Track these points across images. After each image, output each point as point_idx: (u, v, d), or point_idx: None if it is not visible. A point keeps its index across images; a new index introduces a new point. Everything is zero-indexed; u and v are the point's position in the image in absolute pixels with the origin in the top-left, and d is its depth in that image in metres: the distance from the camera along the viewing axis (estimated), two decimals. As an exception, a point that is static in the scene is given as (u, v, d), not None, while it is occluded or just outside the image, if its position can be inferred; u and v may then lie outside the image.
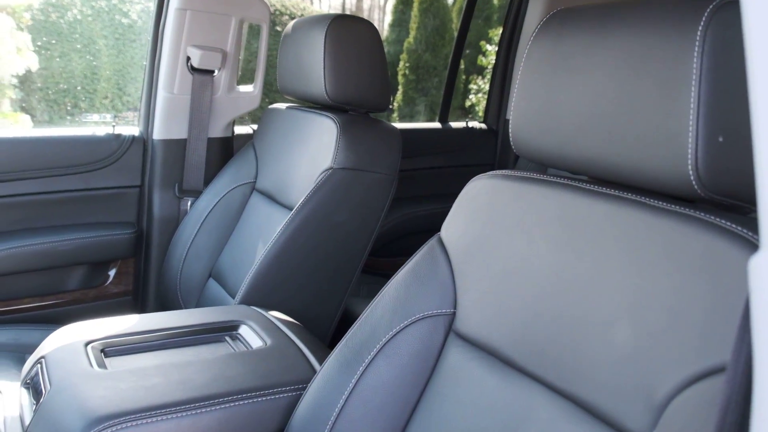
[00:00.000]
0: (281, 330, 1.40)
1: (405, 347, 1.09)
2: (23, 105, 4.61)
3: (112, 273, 2.21)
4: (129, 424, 1.07)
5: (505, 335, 0.99)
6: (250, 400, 1.16)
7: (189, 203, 2.18)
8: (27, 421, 1.17)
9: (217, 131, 2.25)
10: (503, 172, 1.10)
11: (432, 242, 1.15)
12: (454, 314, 1.09)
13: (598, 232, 0.90)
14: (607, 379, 0.84)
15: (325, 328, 1.82)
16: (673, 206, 0.84)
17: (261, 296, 1.69)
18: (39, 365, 1.25)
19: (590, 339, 0.87)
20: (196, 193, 2.19)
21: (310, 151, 1.81)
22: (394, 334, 1.10)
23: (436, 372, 1.08)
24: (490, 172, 1.12)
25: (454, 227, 1.13)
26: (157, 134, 2.19)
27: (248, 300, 1.67)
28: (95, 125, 2.36)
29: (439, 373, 1.07)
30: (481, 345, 1.03)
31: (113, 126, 2.19)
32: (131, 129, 2.24)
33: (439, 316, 1.09)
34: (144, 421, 1.08)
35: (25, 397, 1.24)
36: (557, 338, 0.92)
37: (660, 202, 0.86)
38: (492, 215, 1.07)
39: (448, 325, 1.09)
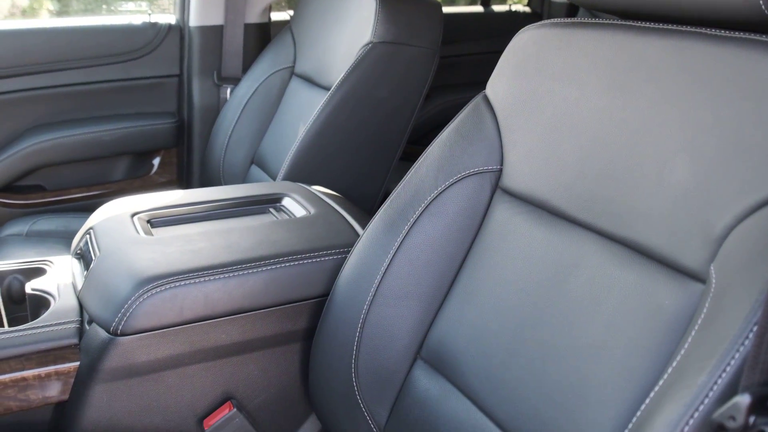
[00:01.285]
0: (324, 201, 1.39)
1: (450, 205, 1.07)
2: None
3: (156, 162, 2.23)
4: (177, 284, 1.08)
5: (554, 186, 0.96)
6: (296, 263, 1.16)
7: (228, 91, 2.16)
8: (79, 287, 1.19)
9: (253, 17, 2.20)
10: (552, 21, 1.05)
11: (477, 100, 1.11)
12: (500, 171, 1.06)
13: (654, 69, 0.86)
14: (662, 218, 0.81)
15: (367, 209, 1.82)
16: (739, 34, 0.79)
17: (302, 176, 1.68)
18: (88, 235, 1.27)
19: (645, 180, 0.84)
20: (235, 81, 2.16)
21: (349, 28, 1.76)
22: (440, 193, 1.08)
23: (482, 229, 1.06)
24: (538, 23, 1.07)
25: (499, 82, 1.09)
26: (194, 21, 2.15)
27: (290, 179, 1.66)
28: (130, 14, 2.33)
29: (486, 230, 1.05)
30: (529, 199, 1.00)
31: (149, 14, 2.16)
32: (167, 17, 2.20)
33: (486, 173, 1.07)
34: (191, 281, 1.09)
35: (76, 265, 1.26)
36: (609, 183, 0.88)
37: (725, 31, 0.81)
38: (540, 65, 1.02)
39: (495, 182, 1.07)
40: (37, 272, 1.28)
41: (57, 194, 2.13)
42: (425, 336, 1.08)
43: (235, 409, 1.15)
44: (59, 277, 1.26)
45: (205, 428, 1.14)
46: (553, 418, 0.84)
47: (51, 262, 1.31)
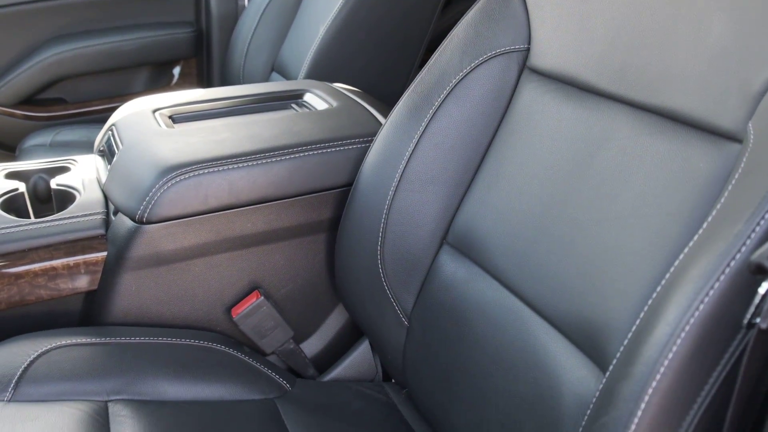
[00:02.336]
0: (347, 95, 1.37)
1: (476, 88, 1.05)
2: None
3: (176, 72, 2.21)
4: (200, 172, 1.07)
5: (585, 61, 0.93)
6: (319, 152, 1.15)
7: (246, -3, 2.12)
8: (103, 181, 1.19)
9: None
10: None
11: (503, -22, 1.07)
12: (528, 50, 1.03)
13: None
14: (698, 81, 0.78)
15: (389, 107, 1.79)
16: None
17: (323, 76, 1.65)
18: (110, 132, 1.26)
19: (679, 43, 0.80)
20: (253, -13, 2.12)
21: (369, -77, 1.70)
22: (465, 75, 1.05)
23: (509, 111, 1.04)
24: None
25: (526, -42, 1.04)
26: (208, -75, 2.10)
27: (311, 78, 1.64)
28: None
29: (513, 111, 1.03)
30: (558, 76, 0.97)
31: None
32: None
33: (513, 52, 1.04)
34: (215, 169, 1.08)
35: (99, 162, 1.26)
36: (642, 51, 0.85)
37: None
38: (569, -65, 0.98)
39: (522, 62, 1.03)
40: (62, 170, 1.29)
41: (78, 106, 2.13)
42: (451, 221, 1.06)
43: (262, 297, 1.15)
44: (84, 173, 1.26)
45: (233, 316, 1.15)
46: (581, 290, 0.83)
47: (75, 160, 1.31)
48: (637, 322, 0.69)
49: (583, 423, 0.73)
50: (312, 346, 1.26)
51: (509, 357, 0.91)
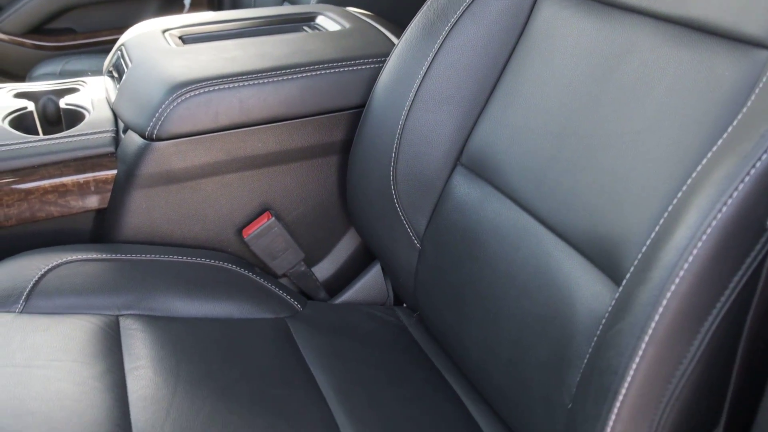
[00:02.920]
0: (360, 18, 1.34)
1: (494, 3, 1.01)
2: None
3: (187, 2, 2.17)
4: (211, 88, 1.06)
5: (606, -28, 0.90)
6: (331, 71, 1.13)
7: (256, -74, 2.07)
8: (112, 100, 1.17)
9: None
10: None
11: None
12: (547, -36, 0.99)
13: None
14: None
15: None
16: None
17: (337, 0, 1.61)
18: (119, 51, 1.24)
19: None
20: None
21: None
22: (482, -9, 1.02)
23: (527, 27, 1.01)
24: None
25: None
26: None
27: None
28: None
29: (531, 28, 1.00)
30: (579, -11, 0.94)
31: None
32: None
33: (532, -33, 1.00)
34: (225, 86, 1.06)
35: (109, 82, 1.24)
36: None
37: None
38: None
39: (541, -23, 1.00)
40: (71, 91, 1.27)
41: (88, 36, 2.10)
42: (466, 141, 1.04)
43: (273, 218, 1.15)
44: (93, 94, 1.24)
45: (244, 237, 1.14)
46: (598, 205, 0.82)
47: (84, 82, 1.30)
48: (656, 229, 0.68)
49: (598, 333, 0.72)
50: (323, 269, 1.25)
51: (522, 276, 0.90)
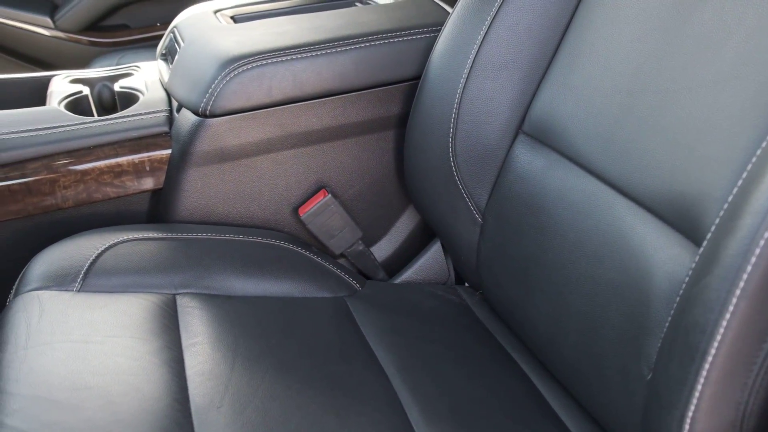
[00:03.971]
0: (413, -9, 1.30)
1: (553, -37, 0.97)
2: None
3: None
4: (263, 62, 1.03)
5: None
6: (386, 42, 1.09)
7: None
8: (166, 79, 1.16)
9: None
10: None
11: None
12: None
13: None
14: None
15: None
16: None
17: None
18: (171, 34, 1.23)
19: None
20: None
21: None
22: (541, -52, 0.97)
23: (590, -13, 0.96)
24: None
25: None
26: None
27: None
28: None
29: (595, -13, 0.95)
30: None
31: None
32: None
33: None
34: (278, 59, 1.04)
35: (162, 64, 1.23)
36: None
37: None
38: None
39: (604, -69, 0.95)
40: (125, 76, 1.27)
41: (142, 31, 2.12)
42: (527, 108, 1.00)
43: (329, 196, 1.12)
44: (147, 77, 1.24)
45: (301, 215, 1.12)
46: (673, 163, 0.77)
47: (138, 67, 1.29)
48: (743, 176, 0.62)
49: (680, 293, 0.67)
50: (382, 249, 1.22)
51: (593, 243, 0.85)
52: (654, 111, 0.81)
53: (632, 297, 0.78)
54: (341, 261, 1.18)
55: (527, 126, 1.00)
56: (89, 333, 0.84)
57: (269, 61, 1.03)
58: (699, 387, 0.60)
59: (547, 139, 0.96)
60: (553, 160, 0.94)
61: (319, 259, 1.08)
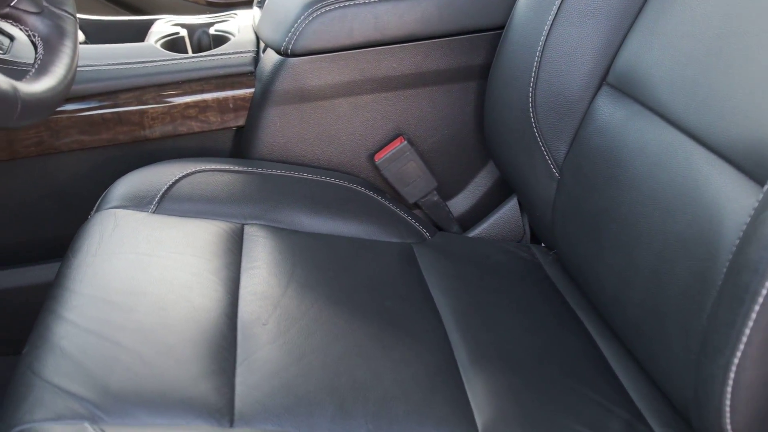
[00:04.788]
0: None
1: None
2: None
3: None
4: (345, 3, 1.04)
5: None
6: (470, -10, 1.07)
7: None
8: (256, 22, 1.19)
9: None
10: None
11: None
12: None
13: None
14: None
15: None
16: None
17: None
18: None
19: None
20: None
21: None
22: None
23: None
24: None
25: None
26: None
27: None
28: None
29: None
30: None
31: None
32: None
33: None
34: (362, 1, 1.04)
35: (257, 10, 1.26)
36: None
37: None
38: None
39: None
40: (222, 22, 1.31)
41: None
42: (613, 58, 0.95)
43: (406, 142, 1.11)
44: (241, 22, 1.27)
45: (376, 160, 1.12)
46: (757, 110, 0.71)
47: (236, 13, 1.33)
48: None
49: (741, 233, 0.62)
50: (458, 204, 1.20)
51: (666, 195, 0.80)
52: (740, 54, 0.75)
53: (700, 251, 0.73)
54: (416, 212, 1.17)
55: (611, 77, 0.95)
56: (155, 248, 0.87)
57: (352, 2, 1.04)
58: (747, 332, 0.55)
59: (630, 90, 0.91)
60: (634, 111, 0.90)
61: (390, 205, 1.07)
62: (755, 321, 0.55)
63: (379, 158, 1.11)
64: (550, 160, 1.00)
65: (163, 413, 0.65)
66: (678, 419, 0.78)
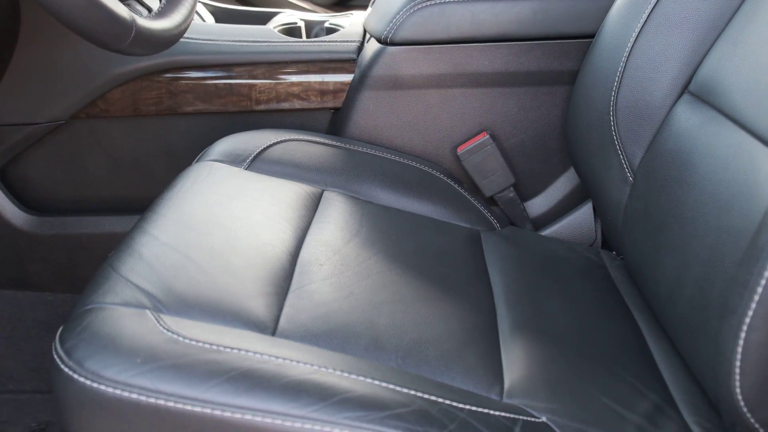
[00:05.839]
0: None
1: None
2: None
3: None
4: (445, 0, 1.11)
5: None
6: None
7: None
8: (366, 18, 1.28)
9: None
10: None
11: None
12: None
13: None
14: None
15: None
16: None
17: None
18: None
19: None
20: None
21: None
22: None
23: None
24: None
25: None
26: None
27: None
28: None
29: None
30: None
31: None
32: None
33: None
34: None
35: (369, 9, 1.36)
36: None
37: None
38: None
39: None
40: (340, 17, 1.41)
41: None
42: (696, 68, 0.97)
43: (488, 136, 1.16)
44: (354, 19, 1.37)
45: (458, 151, 1.17)
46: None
47: (352, 13, 1.43)
48: None
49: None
50: (534, 206, 1.23)
51: (726, 192, 0.81)
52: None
53: (748, 242, 0.74)
54: (492, 208, 1.21)
55: (693, 85, 0.97)
56: (239, 193, 0.96)
57: (451, 0, 1.11)
58: (759, 290, 0.57)
59: (708, 97, 0.93)
60: (709, 117, 0.91)
61: (466, 194, 1.12)
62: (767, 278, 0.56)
63: (461, 149, 1.17)
64: (626, 164, 1.02)
65: (215, 317, 0.73)
66: (712, 415, 0.78)
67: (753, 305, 0.57)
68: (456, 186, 1.13)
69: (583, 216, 1.19)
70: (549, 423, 0.71)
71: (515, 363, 0.79)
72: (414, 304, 0.82)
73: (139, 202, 1.25)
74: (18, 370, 1.24)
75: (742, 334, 0.58)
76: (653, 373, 0.83)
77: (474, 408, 0.68)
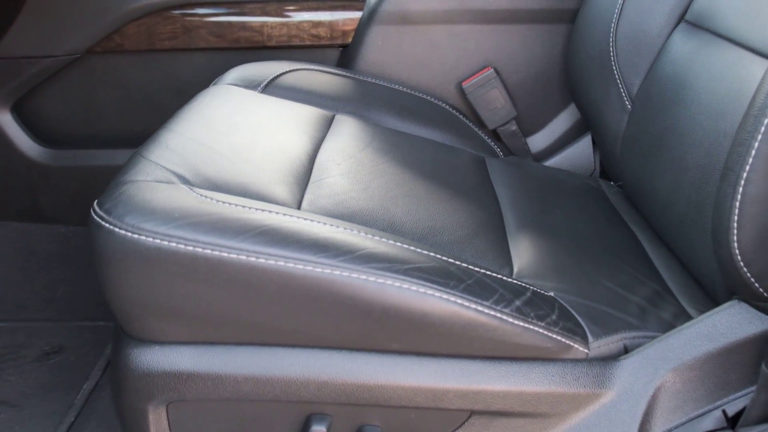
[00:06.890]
0: None
1: None
2: None
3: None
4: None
5: None
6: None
7: None
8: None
9: None
10: None
11: None
12: None
13: None
14: None
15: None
16: None
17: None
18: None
19: None
20: None
21: None
22: None
23: None
24: None
25: None
26: None
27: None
28: None
29: None
30: None
31: None
32: None
33: None
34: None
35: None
36: None
37: None
38: None
39: None
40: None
41: None
42: (693, -2, 1.02)
43: (492, 70, 1.21)
44: None
45: (463, 85, 1.22)
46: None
47: None
48: None
49: None
50: (535, 141, 1.28)
51: (721, 102, 0.86)
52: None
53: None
54: (495, 142, 1.26)
55: (690, 15, 1.02)
56: (256, 109, 1.00)
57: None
58: (755, 144, 0.61)
59: (705, 23, 0.98)
60: (705, 41, 0.96)
61: (471, 124, 1.17)
62: (763, 134, 0.61)
63: (466, 83, 1.21)
64: (624, 91, 1.07)
65: (242, 196, 0.77)
66: (707, 301, 0.82)
67: (750, 159, 0.62)
68: (461, 116, 1.18)
69: (581, 148, 1.24)
70: (556, 297, 0.75)
71: (523, 252, 0.83)
72: (427, 199, 0.86)
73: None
74: (31, 300, 1.27)
75: (740, 189, 0.62)
76: (651, 269, 0.88)
77: (489, 272, 0.72)
